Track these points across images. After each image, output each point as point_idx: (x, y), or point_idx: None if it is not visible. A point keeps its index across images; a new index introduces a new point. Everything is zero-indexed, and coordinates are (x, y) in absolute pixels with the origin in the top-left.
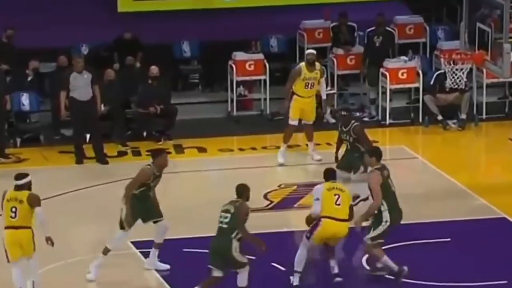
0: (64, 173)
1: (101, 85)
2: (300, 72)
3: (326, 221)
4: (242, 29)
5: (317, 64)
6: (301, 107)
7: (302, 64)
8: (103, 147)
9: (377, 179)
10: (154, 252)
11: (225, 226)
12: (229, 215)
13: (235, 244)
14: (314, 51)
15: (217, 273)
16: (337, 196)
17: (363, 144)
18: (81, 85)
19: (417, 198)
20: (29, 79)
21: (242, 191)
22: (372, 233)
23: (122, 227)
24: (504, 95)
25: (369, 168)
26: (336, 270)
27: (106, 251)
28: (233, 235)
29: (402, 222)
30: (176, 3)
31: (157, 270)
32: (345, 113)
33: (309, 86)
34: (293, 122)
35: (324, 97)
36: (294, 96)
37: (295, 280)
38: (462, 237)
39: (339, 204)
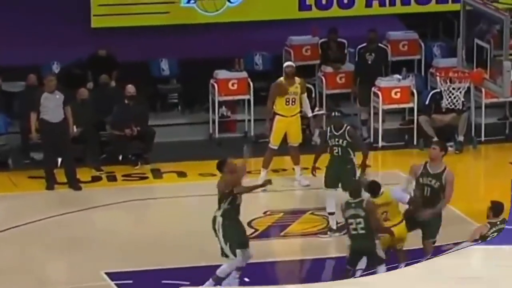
0: (34, 199)
1: (73, 105)
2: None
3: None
4: (224, 46)
5: (296, 78)
6: (284, 128)
7: (281, 78)
8: (75, 172)
9: (454, 176)
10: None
11: (362, 232)
12: (360, 219)
13: (378, 242)
14: (292, 63)
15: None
16: (384, 214)
17: (359, 146)
18: (52, 106)
19: None
20: None
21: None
22: (437, 232)
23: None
24: (504, 116)
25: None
26: None
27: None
28: (374, 236)
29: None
30: (154, 18)
31: None
32: (338, 114)
33: (290, 102)
34: (273, 146)
35: (309, 114)
36: (276, 117)
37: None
38: None
39: (387, 219)
